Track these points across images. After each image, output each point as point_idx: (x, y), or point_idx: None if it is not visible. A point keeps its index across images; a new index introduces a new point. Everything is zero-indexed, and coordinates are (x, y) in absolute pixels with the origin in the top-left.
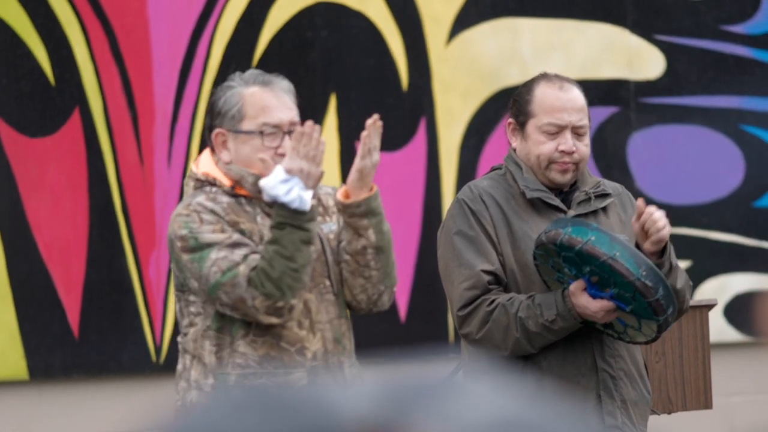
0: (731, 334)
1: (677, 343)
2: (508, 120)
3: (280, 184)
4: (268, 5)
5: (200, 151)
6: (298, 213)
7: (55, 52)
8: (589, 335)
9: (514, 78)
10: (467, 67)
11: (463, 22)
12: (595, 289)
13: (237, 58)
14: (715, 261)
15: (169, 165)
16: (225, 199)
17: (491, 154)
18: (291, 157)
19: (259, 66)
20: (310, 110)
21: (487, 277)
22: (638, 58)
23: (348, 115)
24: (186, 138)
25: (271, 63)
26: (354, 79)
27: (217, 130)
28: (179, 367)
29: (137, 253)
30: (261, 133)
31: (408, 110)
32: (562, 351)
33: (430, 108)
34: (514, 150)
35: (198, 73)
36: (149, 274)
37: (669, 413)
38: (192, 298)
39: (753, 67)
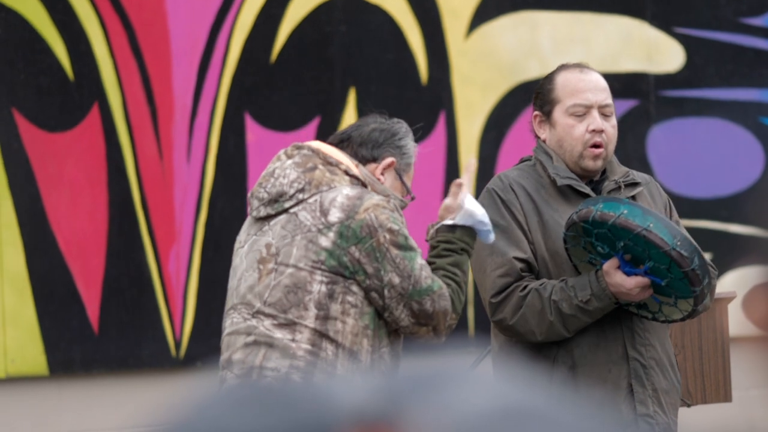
0: (751, 327)
1: (697, 335)
2: (534, 113)
3: (485, 214)
4: (286, 0)
5: (220, 143)
6: (473, 244)
7: (73, 48)
8: (621, 324)
9: (533, 71)
10: (486, 61)
11: (482, 15)
12: (629, 267)
13: (256, 52)
14: (734, 254)
15: (188, 160)
16: None
17: (511, 148)
18: (468, 187)
19: (278, 60)
20: (330, 105)
21: (519, 265)
22: (657, 51)
23: (367, 109)
24: (205, 133)
25: (291, 58)
26: (373, 73)
27: (392, 159)
28: (307, 349)
29: (157, 248)
30: (409, 192)
31: (427, 104)
32: (594, 340)
33: (450, 102)
34: (544, 141)
35: (217, 68)
36: (169, 269)
37: (688, 406)
38: (355, 288)
39: None
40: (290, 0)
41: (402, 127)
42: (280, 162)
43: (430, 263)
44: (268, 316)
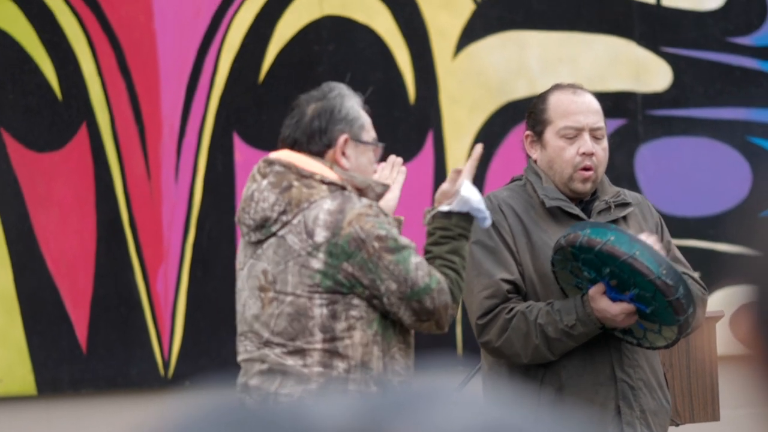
0: (739, 346)
1: (685, 354)
2: (526, 133)
3: (482, 200)
4: (275, 19)
5: (208, 162)
6: (470, 228)
7: (62, 67)
8: (608, 345)
9: (521, 91)
10: (474, 80)
11: (469, 35)
12: (614, 292)
13: (244, 72)
14: (722, 273)
15: (176, 179)
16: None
17: (499, 167)
18: (469, 175)
19: (267, 80)
20: None
21: (506, 286)
22: (645, 71)
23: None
24: (193, 152)
25: (279, 77)
26: (361, 92)
27: (345, 136)
28: (319, 372)
29: (145, 268)
30: (376, 145)
31: (415, 123)
32: (581, 361)
33: (438, 121)
34: (535, 161)
35: (205, 87)
36: (157, 288)
37: (677, 425)
38: (356, 301)
39: (760, 79)
40: (278, 20)
41: (334, 95)
42: (257, 183)
43: (427, 251)
44: (277, 345)
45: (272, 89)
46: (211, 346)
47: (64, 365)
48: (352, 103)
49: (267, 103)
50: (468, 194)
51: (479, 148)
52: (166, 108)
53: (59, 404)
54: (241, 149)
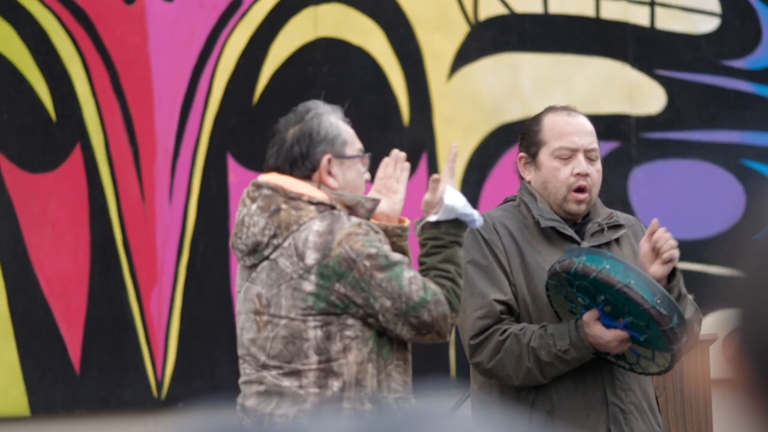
0: (731, 369)
1: (678, 377)
2: (519, 155)
3: (467, 204)
4: (269, 41)
5: (202, 184)
6: (462, 234)
7: (56, 88)
8: (600, 369)
9: (515, 113)
10: (468, 103)
11: (464, 57)
12: (608, 319)
13: (238, 93)
14: (715, 296)
15: (170, 200)
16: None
17: (493, 189)
18: (449, 179)
19: (261, 102)
20: None
21: (499, 307)
22: (639, 93)
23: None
24: (187, 174)
25: (273, 99)
26: (355, 114)
27: (327, 156)
28: (315, 392)
29: (138, 289)
30: (362, 157)
31: (409, 145)
32: (573, 384)
33: (432, 143)
34: (529, 183)
35: (199, 109)
36: (150, 310)
37: None
38: (350, 321)
39: (754, 102)
40: (272, 41)
41: (311, 116)
42: (246, 208)
43: (421, 263)
44: (274, 367)
45: (266, 111)
46: (205, 368)
47: (57, 386)
48: (330, 121)
49: (261, 125)
50: (452, 201)
51: (454, 147)
52: (160, 129)
53: (53, 425)
54: (235, 170)
